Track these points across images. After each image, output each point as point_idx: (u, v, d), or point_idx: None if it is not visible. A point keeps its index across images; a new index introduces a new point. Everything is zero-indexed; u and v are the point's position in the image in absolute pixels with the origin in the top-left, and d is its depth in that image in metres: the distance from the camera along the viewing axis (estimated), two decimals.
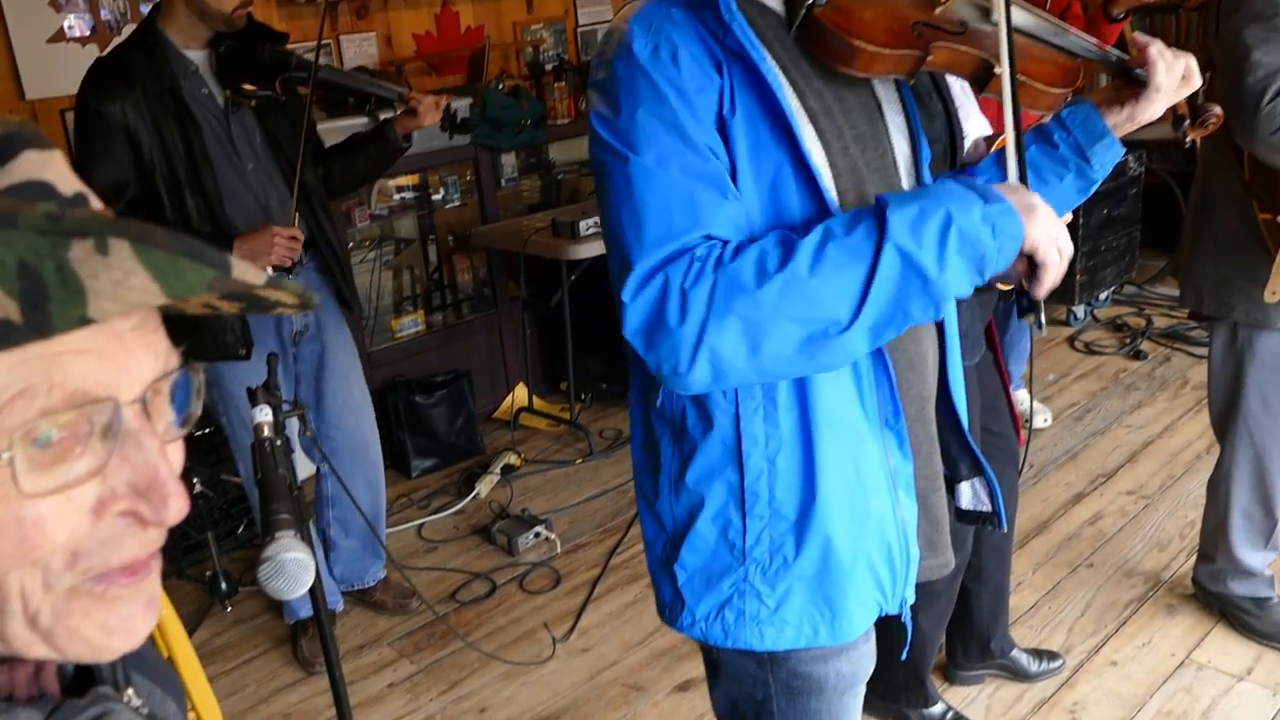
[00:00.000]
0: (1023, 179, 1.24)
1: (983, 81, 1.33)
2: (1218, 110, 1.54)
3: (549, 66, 4.83)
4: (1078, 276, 4.83)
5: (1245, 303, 2.38)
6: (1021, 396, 4.07)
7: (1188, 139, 1.56)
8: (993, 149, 2.12)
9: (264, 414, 1.41)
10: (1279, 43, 2.09)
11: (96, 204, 0.58)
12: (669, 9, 1.22)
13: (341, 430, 2.97)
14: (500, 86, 4.49)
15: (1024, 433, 2.68)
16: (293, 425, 1.80)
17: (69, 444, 0.54)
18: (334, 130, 3.30)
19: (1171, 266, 5.20)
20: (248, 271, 0.54)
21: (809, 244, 1.12)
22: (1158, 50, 1.37)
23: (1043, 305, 1.21)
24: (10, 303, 0.48)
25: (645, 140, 1.17)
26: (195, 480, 3.26)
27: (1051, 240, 1.16)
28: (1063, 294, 4.72)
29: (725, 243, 1.15)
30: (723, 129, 1.19)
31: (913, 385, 1.37)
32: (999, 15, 1.26)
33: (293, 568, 1.20)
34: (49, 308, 0.49)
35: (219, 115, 2.65)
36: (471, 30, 4.70)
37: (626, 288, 1.15)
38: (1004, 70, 1.25)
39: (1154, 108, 1.40)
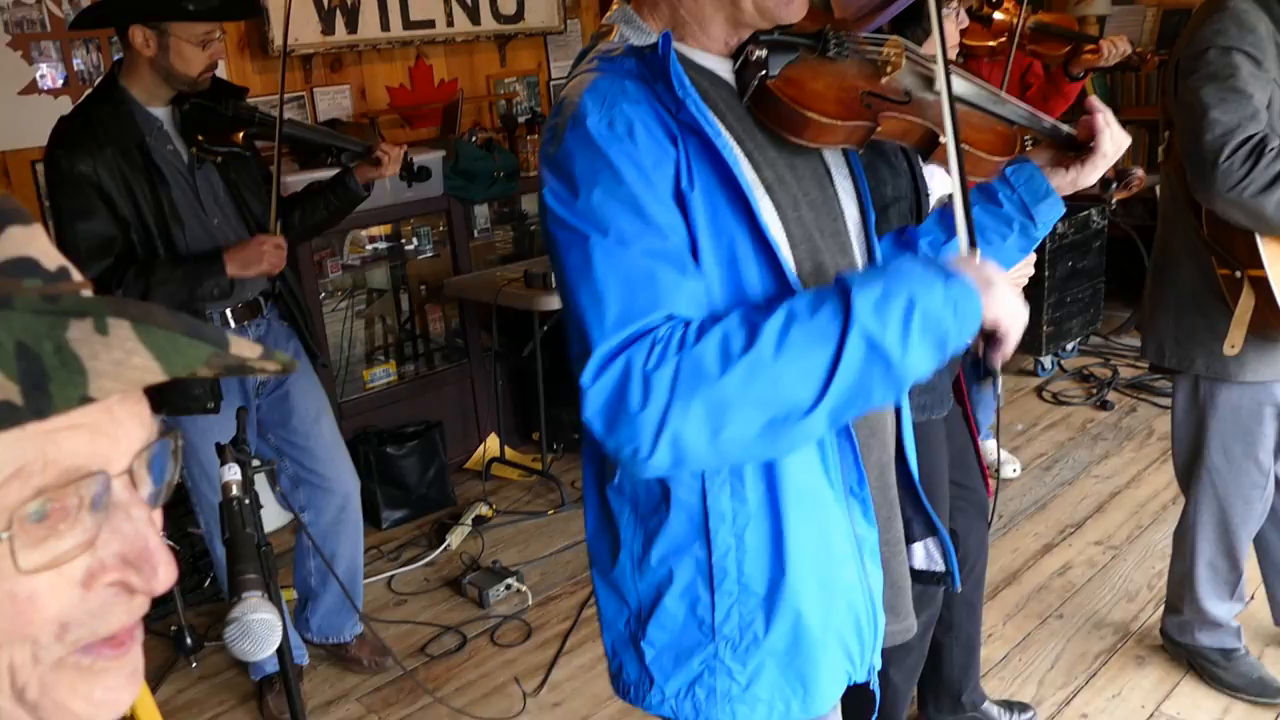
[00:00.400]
0: (972, 245, 1.25)
1: (928, 150, 1.37)
2: (1139, 173, 1.60)
3: (522, 119, 4.87)
4: (1044, 328, 4.90)
5: (1206, 356, 2.41)
6: (990, 447, 4.10)
7: (1114, 200, 1.62)
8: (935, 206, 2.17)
9: (232, 473, 1.41)
10: (1235, 102, 2.14)
11: (77, 276, 0.58)
12: (622, 82, 1.20)
13: (315, 475, 2.95)
14: (473, 139, 4.52)
15: (992, 484, 2.71)
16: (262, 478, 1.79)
17: (59, 517, 0.54)
18: (304, 182, 3.31)
19: (1135, 319, 5.28)
20: (243, 346, 0.55)
21: (773, 326, 1.10)
22: (1104, 119, 1.42)
23: (999, 373, 1.22)
24: (11, 385, 0.49)
25: (604, 220, 1.14)
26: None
27: (1009, 313, 1.16)
28: (1030, 345, 4.78)
29: (688, 324, 1.12)
30: (681, 202, 1.17)
31: (873, 452, 1.38)
32: (940, 85, 1.30)
33: (259, 629, 1.19)
34: (50, 388, 0.49)
35: (184, 171, 2.67)
36: (445, 83, 4.74)
37: (586, 371, 1.12)
38: (949, 139, 1.27)
39: (1095, 173, 1.45)
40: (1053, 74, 3.62)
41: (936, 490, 2.31)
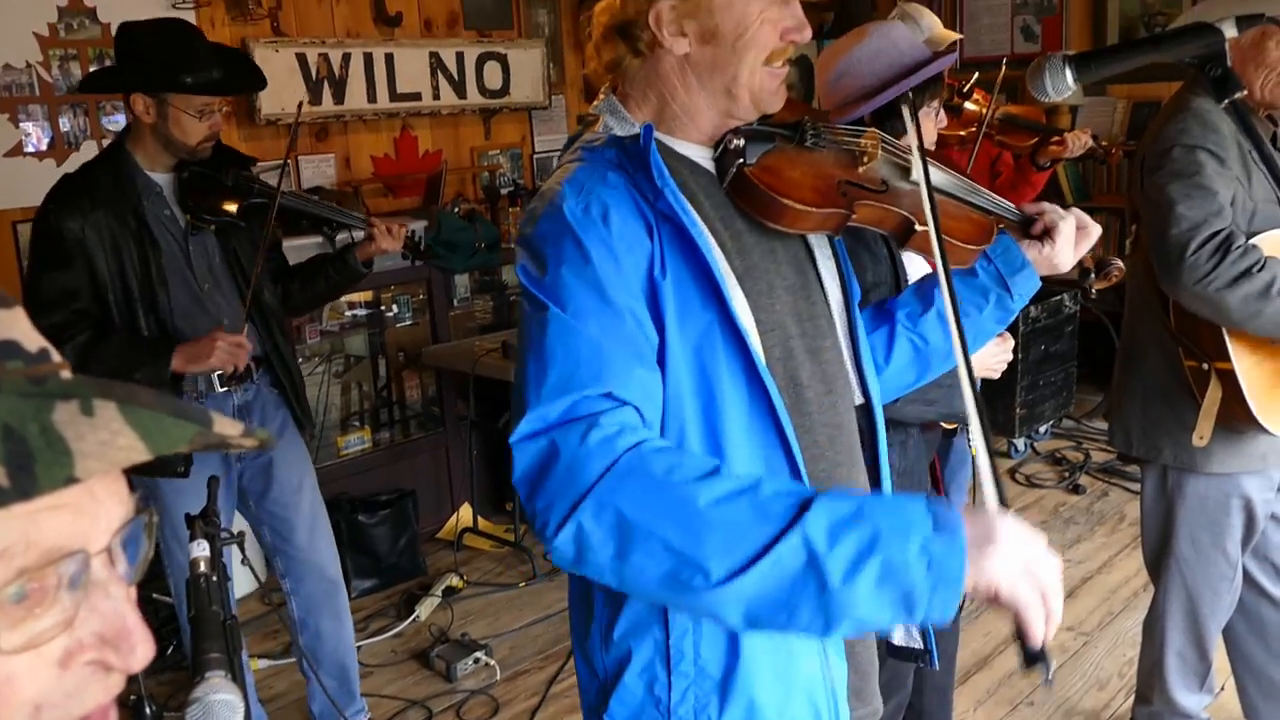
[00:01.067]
0: (1001, 502, 1.11)
1: (904, 237, 1.40)
2: (1119, 264, 1.65)
3: (505, 191, 4.93)
4: (1018, 410, 4.94)
5: (1173, 446, 2.44)
6: None
7: (1093, 290, 1.67)
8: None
9: (200, 549, 1.40)
10: (1200, 198, 2.20)
11: (56, 357, 0.59)
12: (603, 172, 1.24)
13: (296, 548, 2.92)
14: (456, 210, 4.56)
15: None
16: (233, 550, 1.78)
17: (38, 598, 0.53)
18: (290, 249, 3.32)
19: (1106, 405, 5.33)
20: (226, 425, 0.56)
21: (726, 483, 1.04)
22: (1052, 217, 1.49)
23: (1048, 653, 1.03)
24: None
25: (566, 297, 1.16)
26: None
27: (1010, 581, 0.99)
28: (1003, 426, 4.81)
29: (642, 424, 1.11)
30: (653, 291, 1.20)
31: None
32: (918, 174, 1.33)
33: (221, 710, 1.17)
34: (35, 469, 0.49)
35: (179, 237, 2.68)
36: (429, 154, 4.80)
37: (516, 431, 1.11)
38: (930, 227, 1.30)
39: (1061, 261, 1.49)
40: (1020, 164, 3.71)
41: None
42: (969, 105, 3.63)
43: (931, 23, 3.75)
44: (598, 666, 1.34)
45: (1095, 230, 1.52)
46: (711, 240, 1.25)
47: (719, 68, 1.27)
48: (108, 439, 0.51)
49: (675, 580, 1.03)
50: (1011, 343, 2.23)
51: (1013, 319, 1.56)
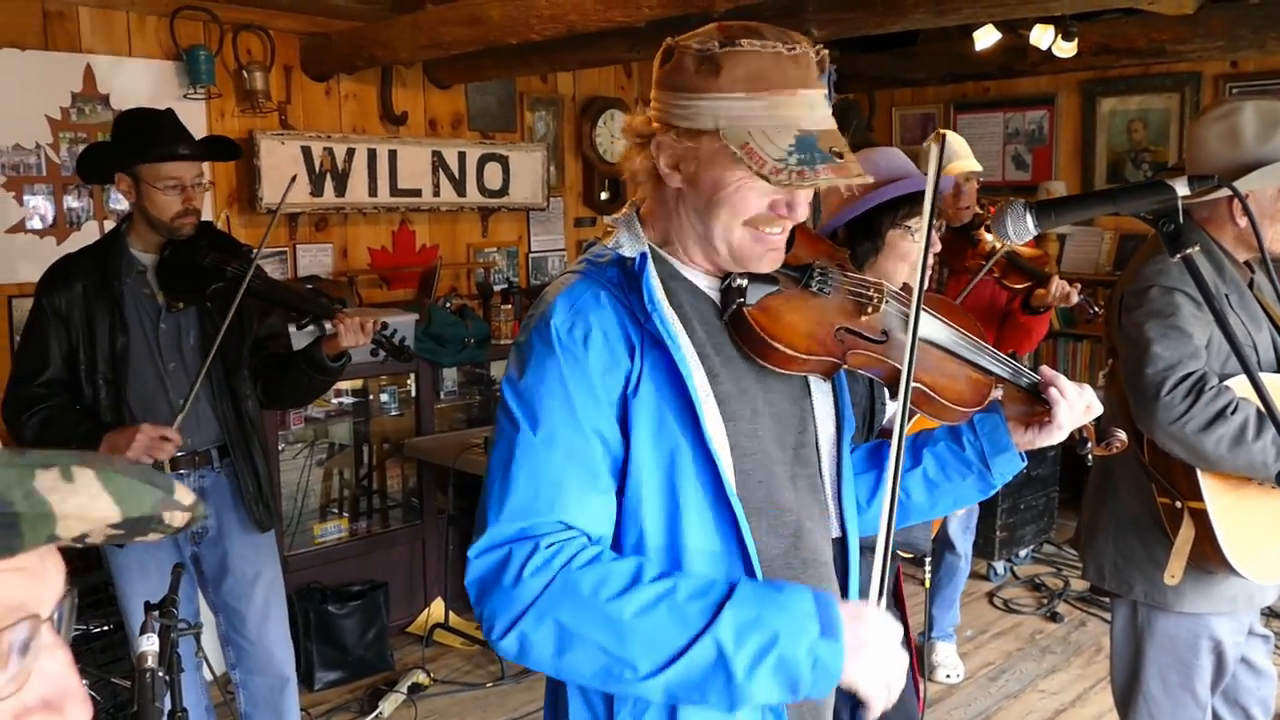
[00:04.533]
0: (880, 596, 1.29)
1: (896, 387, 1.41)
2: (1121, 436, 1.64)
3: (498, 288, 4.98)
4: (998, 533, 4.93)
5: (1144, 582, 2.43)
6: (943, 648, 4.07)
7: (1090, 458, 1.66)
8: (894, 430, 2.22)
9: (149, 643, 1.39)
10: (1176, 339, 2.23)
11: None
12: (598, 291, 1.29)
13: (246, 640, 2.88)
14: (447, 305, 4.61)
15: (922, 684, 2.68)
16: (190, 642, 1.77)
17: None
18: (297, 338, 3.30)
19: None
20: (183, 493, 0.60)
21: (649, 593, 1.19)
22: (1059, 392, 1.49)
23: None
24: None
25: (538, 414, 1.25)
26: (85, 682, 3.12)
27: (870, 682, 1.21)
28: (983, 549, 4.79)
29: (582, 544, 1.22)
30: (624, 408, 1.26)
31: None
32: (922, 329, 1.35)
33: None
34: (21, 528, 0.53)
35: (152, 316, 2.73)
36: (426, 248, 4.87)
37: (474, 546, 1.24)
38: (901, 386, 1.32)
39: (1057, 437, 1.52)
40: (1011, 307, 3.78)
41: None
42: (988, 236, 3.70)
43: (957, 152, 3.78)
44: None
45: (1098, 409, 1.53)
46: (695, 365, 1.29)
47: (699, 214, 1.31)
48: (86, 502, 0.55)
49: (608, 674, 1.19)
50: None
51: (994, 491, 1.58)
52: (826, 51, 1.29)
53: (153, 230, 2.69)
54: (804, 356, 1.32)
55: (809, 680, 1.18)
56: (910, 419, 1.37)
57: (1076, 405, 1.49)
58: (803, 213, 1.30)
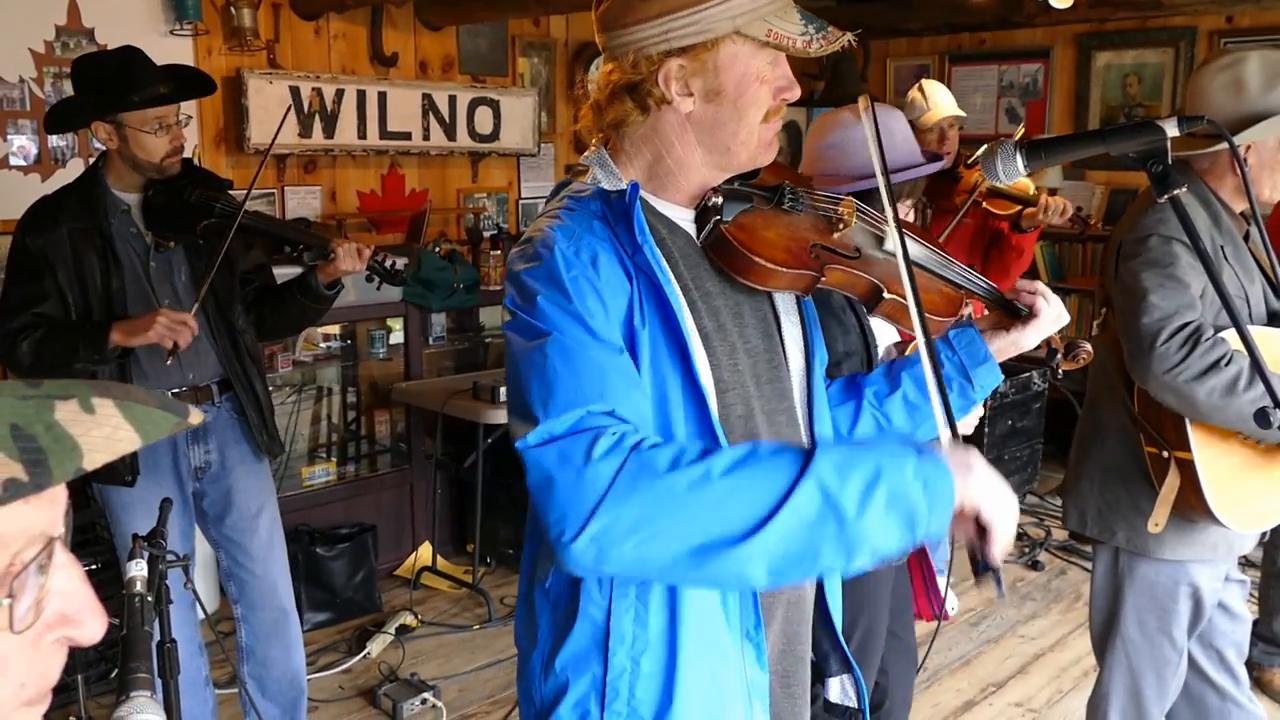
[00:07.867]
0: (953, 432, 1.21)
1: (873, 303, 1.44)
2: (1088, 347, 1.67)
3: (488, 234, 4.96)
4: None
5: (1127, 530, 2.45)
6: (941, 583, 4.13)
7: (1059, 371, 1.69)
8: (900, 354, 2.24)
9: (138, 568, 1.40)
10: (1173, 289, 2.23)
11: None
12: (590, 221, 1.30)
13: (249, 574, 2.91)
14: (437, 249, 4.59)
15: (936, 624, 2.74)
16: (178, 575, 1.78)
17: (22, 581, 0.58)
18: (279, 276, 3.30)
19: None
20: (196, 416, 0.63)
21: (730, 454, 1.11)
22: (1040, 285, 1.52)
23: (1000, 570, 1.15)
24: (14, 464, 0.54)
25: (562, 325, 1.21)
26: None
27: (990, 500, 1.12)
28: None
29: (641, 436, 1.14)
30: (631, 337, 1.25)
31: (783, 591, 1.41)
32: (893, 245, 1.36)
33: None
34: (49, 463, 0.55)
35: (143, 255, 2.71)
36: (415, 193, 4.84)
37: (526, 440, 1.15)
38: (909, 300, 1.31)
39: (1033, 337, 1.53)
40: (1002, 229, 3.83)
41: (872, 636, 2.34)
42: (969, 173, 3.78)
43: (940, 101, 3.91)
44: (535, 694, 1.37)
45: (1066, 318, 1.56)
46: (682, 299, 1.30)
47: (720, 124, 1.32)
48: (110, 432, 0.57)
49: (702, 551, 1.08)
50: (978, 411, 2.27)
51: (975, 408, 1.59)
52: None
53: (135, 171, 2.67)
54: (784, 270, 1.33)
55: (924, 507, 1.08)
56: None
57: (1053, 301, 1.53)
58: (798, 91, 1.36)
